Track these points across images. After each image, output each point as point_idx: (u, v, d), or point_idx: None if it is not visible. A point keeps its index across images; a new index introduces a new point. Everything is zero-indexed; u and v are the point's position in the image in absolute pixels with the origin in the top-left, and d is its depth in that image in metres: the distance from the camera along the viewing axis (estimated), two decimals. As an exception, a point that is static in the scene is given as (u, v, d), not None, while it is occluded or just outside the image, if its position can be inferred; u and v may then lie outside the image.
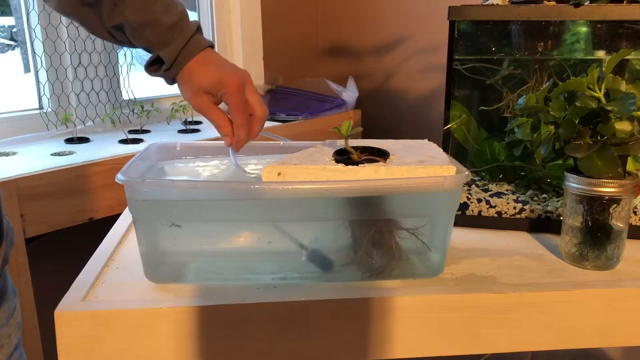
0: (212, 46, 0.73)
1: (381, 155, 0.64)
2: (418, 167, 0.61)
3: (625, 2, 0.77)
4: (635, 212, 0.76)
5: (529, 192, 0.83)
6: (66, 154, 1.16)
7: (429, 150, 0.69)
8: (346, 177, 0.60)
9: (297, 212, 0.61)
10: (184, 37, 0.70)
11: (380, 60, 1.88)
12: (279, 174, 0.60)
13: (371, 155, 0.64)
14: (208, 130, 1.44)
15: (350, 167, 0.61)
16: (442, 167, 0.61)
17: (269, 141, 0.79)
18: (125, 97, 1.47)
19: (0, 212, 0.64)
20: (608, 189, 0.63)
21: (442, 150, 0.71)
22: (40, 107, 1.34)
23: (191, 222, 0.62)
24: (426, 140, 0.75)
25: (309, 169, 0.60)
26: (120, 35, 0.71)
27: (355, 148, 0.66)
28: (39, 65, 1.31)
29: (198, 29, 0.73)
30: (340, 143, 0.71)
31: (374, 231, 0.61)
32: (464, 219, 0.80)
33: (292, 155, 0.65)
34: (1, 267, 0.65)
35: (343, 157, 0.64)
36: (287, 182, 0.59)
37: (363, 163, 0.62)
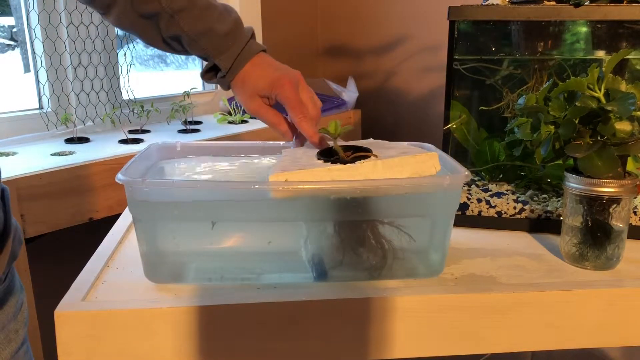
0: (264, 50, 0.76)
1: (366, 152, 0.64)
2: (408, 157, 0.61)
3: (625, 2, 0.77)
4: (635, 212, 0.76)
5: (529, 192, 0.83)
6: (66, 154, 1.16)
7: (391, 144, 0.70)
8: (350, 175, 0.60)
9: (297, 213, 0.61)
10: (238, 44, 0.73)
11: (380, 60, 1.88)
12: (286, 181, 0.60)
13: (357, 152, 0.64)
14: (208, 130, 1.44)
15: (349, 165, 0.61)
16: (428, 154, 0.62)
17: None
18: (125, 97, 1.47)
19: (8, 211, 0.65)
20: (608, 189, 0.63)
21: (394, 141, 0.71)
22: (40, 107, 1.34)
23: (191, 222, 0.62)
24: (371, 139, 0.75)
25: (313, 171, 0.60)
26: (176, 45, 0.74)
27: (333, 150, 0.66)
28: (39, 65, 1.31)
29: (252, 35, 0.75)
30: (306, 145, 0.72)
31: (368, 230, 0.61)
32: (464, 219, 0.80)
33: (282, 163, 0.64)
34: (9, 263, 0.65)
35: (332, 157, 0.64)
36: (287, 182, 0.58)
37: (359, 160, 0.62)
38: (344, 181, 0.60)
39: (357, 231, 0.62)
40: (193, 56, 0.76)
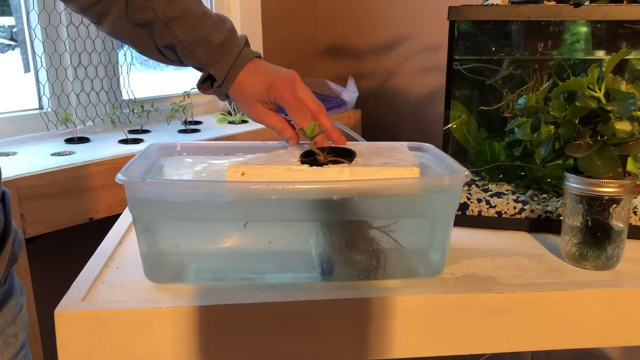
0: (259, 56, 0.75)
1: (347, 156, 0.64)
2: (381, 168, 0.61)
3: (625, 2, 0.77)
4: (635, 212, 0.76)
5: (529, 192, 0.83)
6: (66, 154, 1.16)
7: (398, 153, 0.69)
8: (310, 178, 0.61)
9: (296, 213, 0.61)
10: (232, 53, 0.72)
11: (380, 60, 1.88)
12: (242, 174, 0.60)
13: (337, 156, 0.64)
14: (208, 130, 1.44)
15: (314, 167, 0.61)
16: (406, 169, 0.61)
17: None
18: (125, 97, 1.47)
19: (8, 213, 0.65)
20: (608, 189, 0.63)
21: (410, 153, 0.70)
22: (40, 107, 1.34)
23: (191, 222, 0.62)
24: (404, 144, 0.75)
25: (272, 169, 0.60)
26: (171, 54, 0.73)
27: (323, 149, 0.66)
28: (39, 65, 1.31)
29: (246, 42, 0.74)
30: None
31: (365, 231, 0.61)
32: (464, 219, 0.80)
33: (259, 156, 0.66)
34: (8, 266, 0.65)
35: (309, 158, 0.64)
36: (287, 182, 0.58)
37: (328, 164, 0.62)
38: (343, 181, 0.60)
39: (355, 231, 0.62)
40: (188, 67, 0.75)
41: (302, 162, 0.63)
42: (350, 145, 0.71)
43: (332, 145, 0.69)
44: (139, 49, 0.74)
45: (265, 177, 0.61)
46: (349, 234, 0.61)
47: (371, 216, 0.61)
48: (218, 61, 0.71)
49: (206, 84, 0.75)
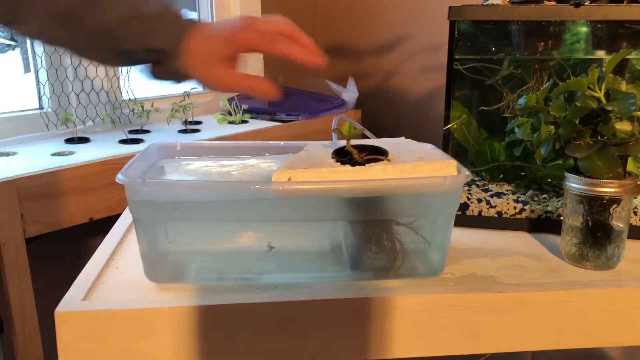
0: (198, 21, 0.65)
1: (381, 154, 0.64)
2: (422, 163, 0.61)
3: (625, 2, 0.77)
4: (635, 212, 0.76)
5: (529, 192, 0.83)
6: (66, 154, 1.16)
7: (414, 146, 0.69)
8: (356, 178, 0.60)
9: (297, 213, 0.61)
10: (170, 19, 0.63)
11: (380, 60, 1.89)
12: (289, 179, 0.59)
13: (371, 154, 0.64)
14: (208, 130, 1.44)
15: (358, 167, 0.60)
16: (444, 162, 0.61)
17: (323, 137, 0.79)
18: (125, 97, 1.47)
19: None
20: (608, 189, 0.63)
21: (425, 144, 0.71)
22: (40, 107, 1.34)
23: (191, 222, 0.62)
24: (403, 137, 0.75)
25: (319, 171, 0.60)
26: (104, 43, 0.63)
27: (354, 147, 0.65)
28: (39, 65, 1.31)
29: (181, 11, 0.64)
30: (330, 143, 0.71)
31: (378, 231, 0.61)
32: (464, 219, 0.80)
33: (292, 160, 0.64)
34: None
35: (345, 157, 0.64)
36: (288, 183, 0.58)
37: (370, 162, 0.61)
38: (343, 182, 0.60)
39: (357, 231, 0.62)
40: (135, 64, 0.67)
41: (342, 163, 0.62)
42: (368, 142, 0.71)
43: (362, 144, 0.68)
44: (72, 49, 0.65)
45: (313, 180, 0.60)
46: (376, 233, 0.61)
47: (372, 216, 0.61)
48: (158, 31, 0.61)
49: (158, 68, 0.66)
